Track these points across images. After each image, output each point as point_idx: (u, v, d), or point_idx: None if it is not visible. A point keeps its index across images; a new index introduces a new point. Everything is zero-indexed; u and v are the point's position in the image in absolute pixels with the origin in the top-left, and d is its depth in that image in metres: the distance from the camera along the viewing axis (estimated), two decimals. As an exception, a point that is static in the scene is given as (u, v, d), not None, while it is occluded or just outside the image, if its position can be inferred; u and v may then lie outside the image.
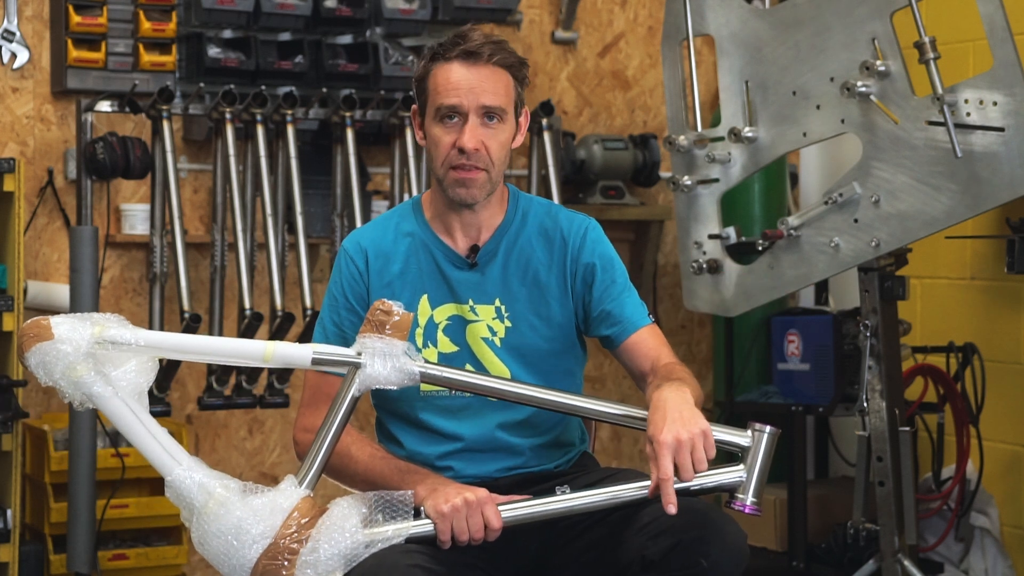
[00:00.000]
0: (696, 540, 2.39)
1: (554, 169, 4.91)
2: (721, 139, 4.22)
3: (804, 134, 4.05)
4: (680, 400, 2.41)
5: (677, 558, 2.39)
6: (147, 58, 4.63)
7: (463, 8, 4.94)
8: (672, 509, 2.33)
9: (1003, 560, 4.76)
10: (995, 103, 3.67)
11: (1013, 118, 3.65)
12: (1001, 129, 3.67)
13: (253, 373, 4.55)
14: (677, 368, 2.59)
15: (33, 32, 4.67)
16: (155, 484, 4.51)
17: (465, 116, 2.60)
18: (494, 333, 2.67)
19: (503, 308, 2.68)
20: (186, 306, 4.38)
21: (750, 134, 4.13)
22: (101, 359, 2.43)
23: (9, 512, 4.18)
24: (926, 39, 3.70)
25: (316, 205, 4.81)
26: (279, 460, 5.02)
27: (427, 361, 2.59)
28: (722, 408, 5.17)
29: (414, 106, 2.70)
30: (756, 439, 2.47)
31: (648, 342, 2.66)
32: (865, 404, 4.10)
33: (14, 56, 4.64)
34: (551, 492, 2.50)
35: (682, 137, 4.30)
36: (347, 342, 2.56)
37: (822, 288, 5.29)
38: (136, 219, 4.73)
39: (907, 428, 4.14)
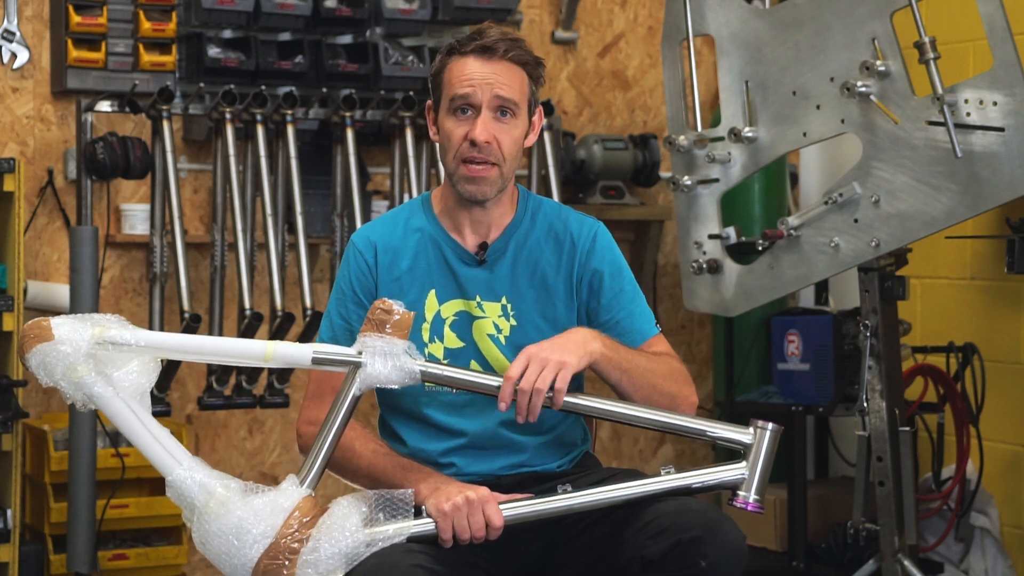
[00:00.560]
0: (695, 540, 2.39)
1: (554, 169, 4.90)
2: (721, 139, 4.22)
3: (804, 134, 4.05)
4: (572, 334, 2.53)
5: (676, 558, 2.39)
6: (147, 58, 4.62)
7: (463, 8, 4.93)
8: (503, 407, 2.46)
9: (1003, 560, 4.76)
10: (995, 103, 3.67)
11: (1013, 118, 3.65)
12: (1001, 129, 3.67)
13: (253, 373, 4.55)
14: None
15: (33, 32, 4.67)
16: (155, 484, 4.51)
17: (478, 109, 2.60)
18: (499, 330, 2.67)
19: (509, 306, 2.67)
20: (186, 306, 4.38)
21: (750, 134, 4.13)
22: (102, 360, 2.43)
23: (9, 512, 4.17)
24: (926, 39, 3.70)
25: (316, 205, 4.81)
26: (279, 460, 5.02)
27: (431, 357, 2.59)
28: (722, 408, 5.17)
29: (428, 101, 2.70)
30: (758, 436, 2.47)
31: (655, 352, 2.68)
32: (865, 404, 4.10)
33: (14, 56, 4.64)
34: (553, 491, 2.51)
35: (682, 137, 4.30)
36: (354, 336, 2.55)
37: (822, 288, 5.29)
38: (136, 219, 4.72)
39: (907, 428, 4.14)
